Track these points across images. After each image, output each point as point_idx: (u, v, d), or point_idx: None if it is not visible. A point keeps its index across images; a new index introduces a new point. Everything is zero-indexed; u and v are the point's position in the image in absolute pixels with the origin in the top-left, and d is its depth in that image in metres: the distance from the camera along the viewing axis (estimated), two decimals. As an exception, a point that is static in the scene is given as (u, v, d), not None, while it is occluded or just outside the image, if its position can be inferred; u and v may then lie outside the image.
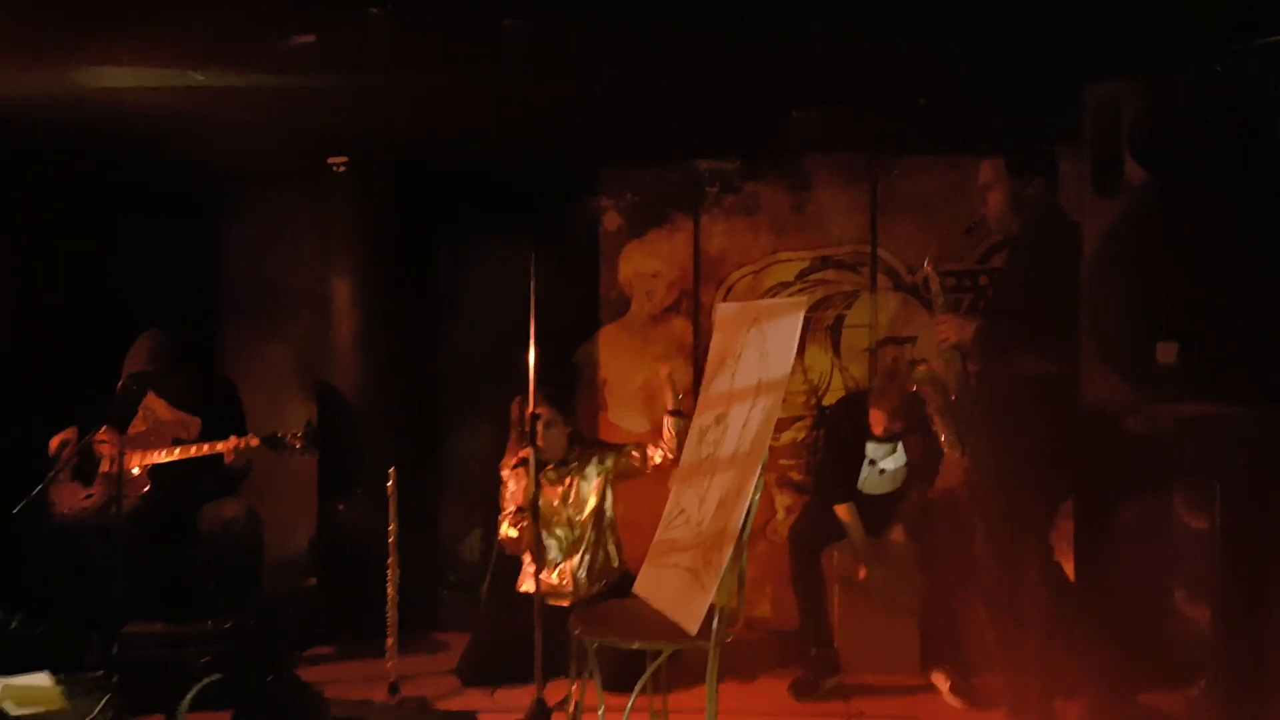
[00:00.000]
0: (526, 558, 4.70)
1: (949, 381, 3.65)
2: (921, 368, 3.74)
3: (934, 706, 4.37)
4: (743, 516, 2.72)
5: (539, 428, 4.55)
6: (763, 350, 2.90)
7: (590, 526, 4.71)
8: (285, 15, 3.75)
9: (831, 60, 4.27)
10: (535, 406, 4.37)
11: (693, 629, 2.75)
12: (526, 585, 4.65)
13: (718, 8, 3.72)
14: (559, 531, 4.73)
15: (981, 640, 3.89)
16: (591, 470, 4.73)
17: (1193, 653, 4.09)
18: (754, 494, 2.73)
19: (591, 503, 4.72)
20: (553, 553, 4.73)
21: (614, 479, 4.74)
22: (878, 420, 4.48)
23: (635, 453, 4.69)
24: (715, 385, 3.20)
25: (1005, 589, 3.43)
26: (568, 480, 4.73)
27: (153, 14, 3.67)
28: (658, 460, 4.63)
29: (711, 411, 3.16)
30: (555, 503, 4.72)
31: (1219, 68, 2.56)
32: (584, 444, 4.83)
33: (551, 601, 4.55)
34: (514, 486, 4.73)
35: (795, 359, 2.98)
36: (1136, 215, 2.69)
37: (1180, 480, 4.26)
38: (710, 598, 2.72)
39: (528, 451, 4.42)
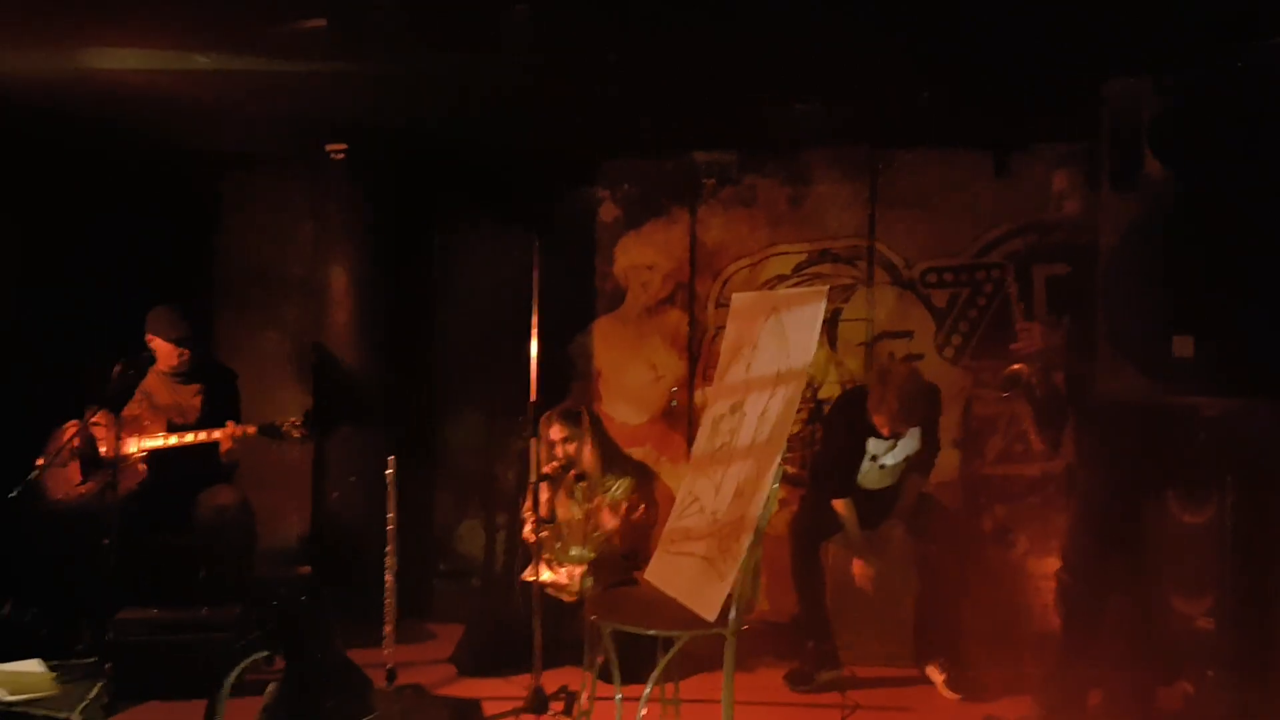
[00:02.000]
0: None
1: (1036, 383, 3.68)
2: (1007, 371, 3.78)
3: (929, 698, 4.39)
4: (762, 505, 2.72)
5: (558, 448, 4.58)
6: (782, 339, 2.90)
7: (605, 545, 4.70)
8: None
9: (832, 53, 4.28)
10: (549, 421, 4.54)
11: (711, 616, 2.75)
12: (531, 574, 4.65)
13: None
14: (574, 545, 4.71)
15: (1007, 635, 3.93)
16: (619, 493, 4.71)
17: (1185, 648, 4.13)
18: (773, 482, 2.74)
19: (611, 525, 4.73)
20: (565, 556, 4.72)
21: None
22: (882, 424, 4.48)
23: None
24: (730, 374, 3.20)
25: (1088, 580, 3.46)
26: (595, 501, 4.69)
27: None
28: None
29: (726, 401, 3.15)
30: (577, 519, 4.69)
31: (1240, 65, 2.58)
32: (619, 460, 4.78)
33: (552, 593, 4.55)
34: (544, 496, 4.71)
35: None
36: (1156, 210, 2.72)
37: (1176, 476, 4.29)
38: (729, 586, 2.72)
39: (551, 467, 4.54)
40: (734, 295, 3.41)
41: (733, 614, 2.77)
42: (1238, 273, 2.58)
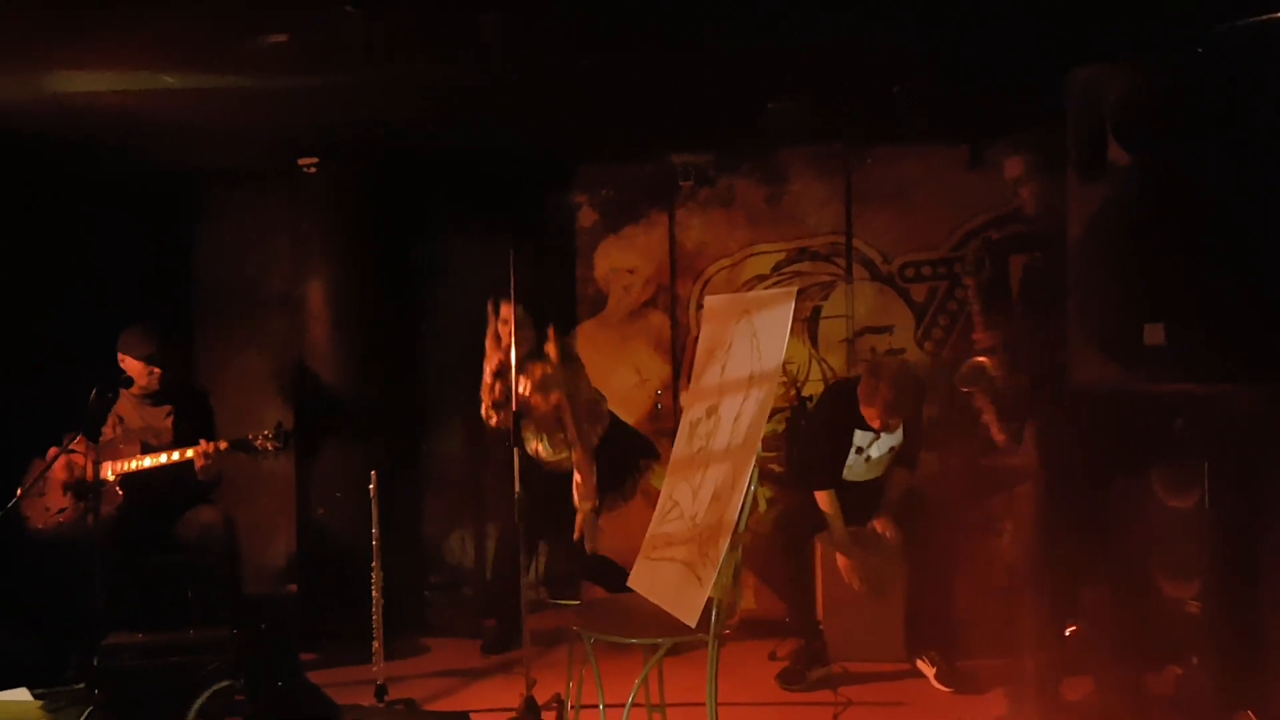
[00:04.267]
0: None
1: (999, 375, 3.68)
2: (969, 364, 3.79)
3: (922, 692, 4.39)
4: (738, 508, 2.71)
5: (510, 330, 4.43)
6: (754, 341, 2.90)
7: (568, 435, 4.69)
8: (257, 15, 3.70)
9: (804, 52, 4.28)
10: (505, 311, 4.51)
11: (691, 622, 2.74)
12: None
13: (692, 1, 3.71)
14: (544, 436, 4.75)
15: (992, 624, 3.91)
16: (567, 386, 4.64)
17: (1175, 633, 4.13)
18: (750, 485, 2.73)
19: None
20: (543, 453, 4.78)
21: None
22: (874, 416, 4.48)
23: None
24: (705, 378, 3.19)
25: (1053, 573, 3.45)
26: (551, 392, 4.64)
27: (123, 16, 3.61)
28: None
29: (702, 404, 3.15)
30: (540, 410, 4.69)
31: (1201, 50, 2.57)
32: (569, 358, 4.74)
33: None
34: (488, 380, 4.70)
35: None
36: (1122, 198, 2.72)
37: (1159, 461, 4.29)
38: (708, 591, 2.71)
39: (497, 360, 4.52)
40: (707, 298, 3.41)
41: (713, 618, 2.76)
42: (1206, 257, 2.57)
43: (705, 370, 3.22)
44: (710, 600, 2.74)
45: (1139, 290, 2.69)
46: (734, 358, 3.01)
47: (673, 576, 2.93)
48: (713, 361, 3.17)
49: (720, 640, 2.80)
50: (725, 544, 2.71)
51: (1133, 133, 2.71)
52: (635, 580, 3.16)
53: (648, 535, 3.22)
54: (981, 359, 3.76)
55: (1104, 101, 2.79)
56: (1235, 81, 2.56)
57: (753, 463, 2.74)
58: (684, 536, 2.96)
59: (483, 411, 4.72)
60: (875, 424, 4.51)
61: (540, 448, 4.83)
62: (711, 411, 3.06)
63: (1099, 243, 2.78)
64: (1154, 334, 2.64)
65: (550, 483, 4.77)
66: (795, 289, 2.88)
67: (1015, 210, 3.74)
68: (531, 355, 4.60)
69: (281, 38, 3.81)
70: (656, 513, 3.22)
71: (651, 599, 3.00)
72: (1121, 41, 2.96)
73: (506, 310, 4.51)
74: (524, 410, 4.56)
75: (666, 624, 2.86)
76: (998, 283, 3.83)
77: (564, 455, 4.74)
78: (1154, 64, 2.71)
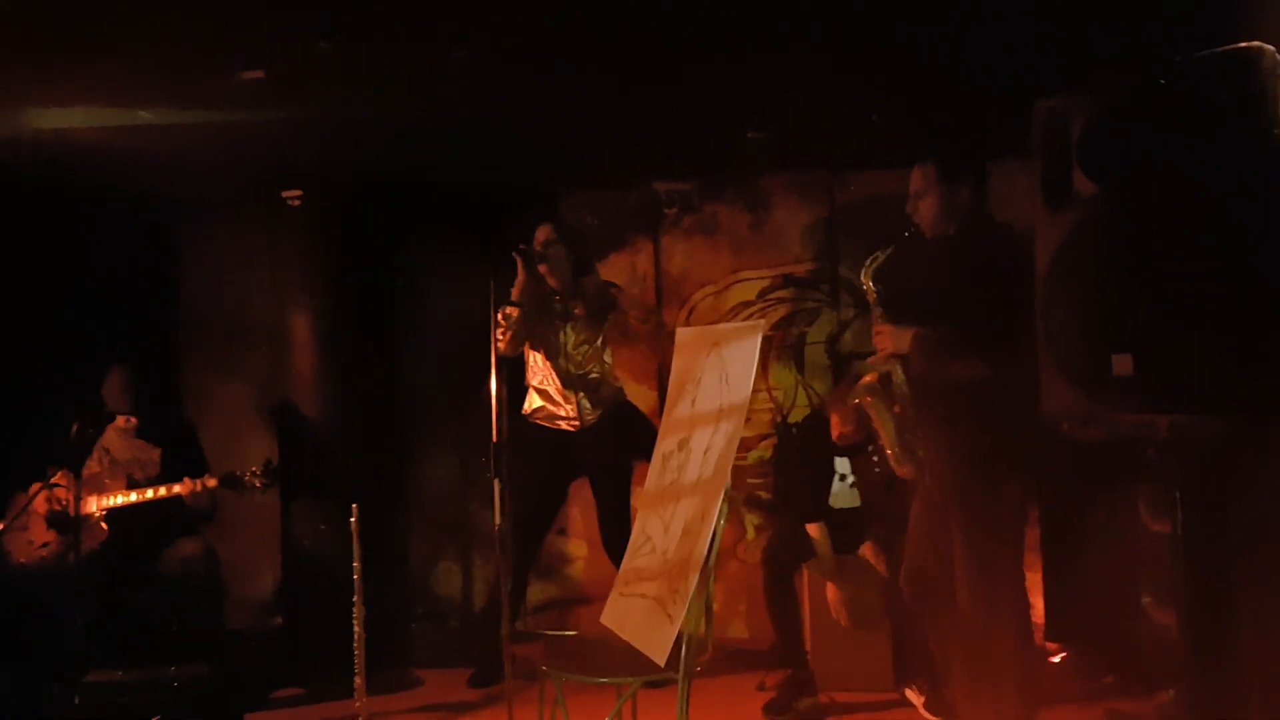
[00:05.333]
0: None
1: (893, 392, 3.58)
2: (863, 380, 3.65)
3: (909, 721, 4.36)
4: (707, 543, 2.69)
5: (537, 250, 4.62)
6: (723, 374, 2.89)
7: (592, 364, 4.75)
8: (232, 52, 3.72)
9: (785, 80, 4.29)
10: (539, 232, 4.62)
11: (660, 659, 2.71)
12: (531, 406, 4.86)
13: (672, 30, 3.73)
14: (562, 365, 4.75)
15: (956, 654, 3.85)
16: (594, 316, 4.74)
17: (1163, 658, 4.10)
18: (719, 519, 2.71)
19: (589, 348, 4.75)
20: (558, 382, 4.78)
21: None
22: (834, 425, 4.46)
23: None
24: (677, 410, 3.18)
25: (983, 602, 3.40)
26: (571, 321, 4.74)
27: (99, 53, 3.64)
28: None
29: (674, 437, 3.13)
30: (558, 340, 4.73)
31: (1164, 80, 2.57)
32: (597, 283, 4.82)
33: (551, 425, 4.76)
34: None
35: (758, 380, 2.94)
36: (1088, 227, 2.71)
37: (1143, 485, 4.27)
38: (677, 627, 2.68)
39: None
40: (678, 330, 3.39)
41: (683, 656, 2.73)
42: (1172, 286, 2.55)
43: (676, 403, 3.21)
44: (681, 636, 2.72)
45: (1107, 319, 2.67)
46: (704, 390, 3.01)
47: (643, 613, 2.91)
48: (683, 394, 3.16)
49: (690, 677, 2.76)
50: (694, 579, 2.69)
51: (1097, 162, 2.70)
52: (607, 617, 3.13)
53: (620, 570, 3.20)
54: (872, 378, 3.65)
55: (1069, 130, 2.78)
56: (1198, 111, 2.55)
57: (721, 496, 2.72)
58: (655, 572, 2.94)
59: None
60: (834, 435, 4.49)
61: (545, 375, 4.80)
62: (683, 444, 3.05)
63: (1065, 272, 2.77)
64: (1122, 364, 2.62)
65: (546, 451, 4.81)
66: (763, 323, 2.88)
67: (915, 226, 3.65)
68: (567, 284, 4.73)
69: (257, 73, 3.83)
70: (629, 547, 3.20)
71: (622, 635, 2.97)
72: (1087, 71, 2.96)
73: (543, 232, 4.66)
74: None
75: (638, 661, 2.83)
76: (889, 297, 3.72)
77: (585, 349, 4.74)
78: (1118, 94, 2.70)
